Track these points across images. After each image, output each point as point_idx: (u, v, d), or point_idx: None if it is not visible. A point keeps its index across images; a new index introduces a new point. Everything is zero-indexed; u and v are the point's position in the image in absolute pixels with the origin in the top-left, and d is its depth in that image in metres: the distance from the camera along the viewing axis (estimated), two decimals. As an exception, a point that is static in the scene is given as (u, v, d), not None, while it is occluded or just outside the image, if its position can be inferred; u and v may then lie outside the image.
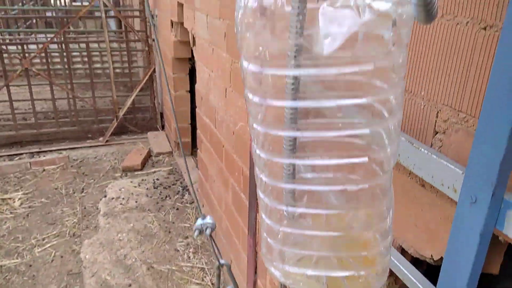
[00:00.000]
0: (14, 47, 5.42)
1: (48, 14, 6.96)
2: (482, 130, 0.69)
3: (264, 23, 0.44)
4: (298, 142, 0.49)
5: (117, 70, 5.74)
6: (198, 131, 3.33)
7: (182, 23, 3.52)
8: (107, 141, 4.78)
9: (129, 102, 4.83)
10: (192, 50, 3.44)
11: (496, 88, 0.66)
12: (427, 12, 0.37)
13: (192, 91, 4.21)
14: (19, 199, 3.86)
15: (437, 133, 0.91)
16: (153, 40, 4.76)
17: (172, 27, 3.92)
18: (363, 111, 0.46)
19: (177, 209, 3.71)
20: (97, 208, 3.70)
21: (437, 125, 0.90)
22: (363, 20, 0.39)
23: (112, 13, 4.76)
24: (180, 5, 3.42)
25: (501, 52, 0.65)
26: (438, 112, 0.89)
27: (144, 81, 4.84)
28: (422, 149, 0.86)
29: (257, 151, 0.53)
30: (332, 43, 0.39)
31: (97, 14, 4.67)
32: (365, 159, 0.50)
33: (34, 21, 7.53)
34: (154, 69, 4.86)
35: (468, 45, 0.79)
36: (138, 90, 4.77)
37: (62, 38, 4.48)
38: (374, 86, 0.44)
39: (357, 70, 0.41)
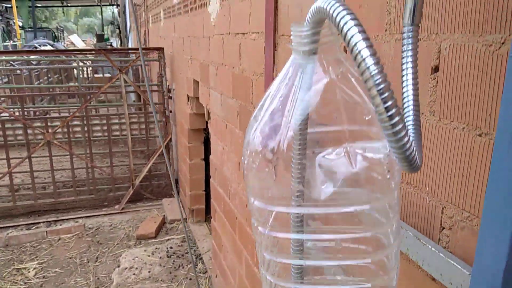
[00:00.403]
0: (38, 122, 5.67)
1: (70, 84, 7.36)
2: (484, 234, 0.71)
3: (268, 168, 0.49)
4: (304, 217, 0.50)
5: (135, 137, 5.92)
6: (212, 200, 3.36)
7: (197, 98, 3.69)
8: (122, 208, 4.82)
9: (145, 170, 4.93)
10: (207, 122, 3.58)
11: (494, 193, 0.68)
12: (410, 164, 0.41)
13: (206, 159, 4.30)
14: (34, 269, 3.85)
15: (443, 228, 0.92)
16: (170, 111, 4.95)
17: (188, 100, 4.09)
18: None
19: (190, 279, 3.64)
20: (110, 279, 3.66)
21: (443, 221, 0.92)
22: (356, 168, 0.43)
23: (132, 87, 5.02)
24: (196, 82, 3.61)
25: (497, 160, 0.69)
26: (443, 208, 0.91)
27: (161, 149, 4.97)
28: (430, 246, 0.87)
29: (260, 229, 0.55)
30: (328, 189, 0.43)
31: (117, 82, 4.92)
32: (369, 260, 0.52)
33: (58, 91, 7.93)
34: (171, 138, 5.01)
35: (465, 149, 0.84)
36: (154, 157, 4.89)
37: (84, 112, 4.70)
38: (372, 218, 0.48)
39: (354, 211, 0.45)
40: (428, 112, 0.93)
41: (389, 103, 0.37)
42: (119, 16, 16.73)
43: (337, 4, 0.38)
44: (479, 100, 0.80)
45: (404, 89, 0.50)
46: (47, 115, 6.51)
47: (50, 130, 4.53)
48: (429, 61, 0.91)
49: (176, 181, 5.32)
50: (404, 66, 0.51)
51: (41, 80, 7.71)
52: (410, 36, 0.52)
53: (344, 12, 0.38)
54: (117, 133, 6.67)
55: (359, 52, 0.38)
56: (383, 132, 0.38)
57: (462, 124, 0.84)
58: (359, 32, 0.38)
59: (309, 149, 0.45)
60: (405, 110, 0.51)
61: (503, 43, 0.73)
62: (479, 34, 0.79)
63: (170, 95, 4.99)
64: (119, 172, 5.36)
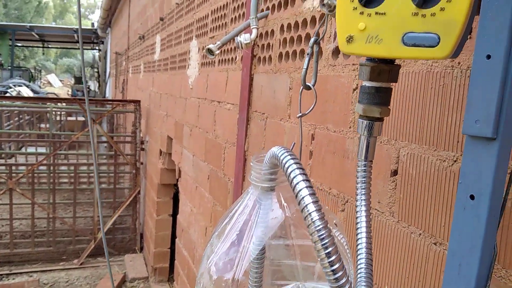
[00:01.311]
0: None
1: (41, 125, 7.21)
2: None
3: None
4: None
5: (103, 188, 5.76)
6: (176, 262, 3.25)
7: (170, 154, 3.68)
8: (81, 263, 4.59)
9: (110, 222, 4.76)
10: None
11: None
12: None
13: (175, 215, 4.21)
14: (-24, 328, 3.54)
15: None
16: (141, 163, 4.90)
17: (161, 155, 4.07)
18: None
19: None
20: None
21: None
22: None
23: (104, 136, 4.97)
24: (170, 139, 3.61)
25: (447, 280, 0.70)
26: (401, 310, 0.92)
27: (128, 201, 4.85)
28: None
29: None
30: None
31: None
32: None
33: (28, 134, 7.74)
34: (139, 191, 4.91)
35: (422, 254, 0.86)
36: (121, 211, 4.75)
37: (52, 160, 4.58)
38: None
39: None
40: (388, 212, 0.96)
41: (333, 257, 0.39)
42: (100, 61, 16.88)
43: (288, 157, 0.41)
44: (435, 209, 0.83)
45: (359, 231, 0.52)
46: (13, 160, 6.30)
47: (13, 177, 4.37)
48: (389, 164, 0.95)
49: (141, 236, 5.15)
50: (358, 203, 0.54)
51: (11, 121, 7.54)
52: (364, 170, 0.55)
53: (294, 166, 0.40)
54: (85, 180, 6.49)
55: (306, 206, 0.40)
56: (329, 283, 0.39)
57: (419, 230, 0.87)
58: (306, 187, 0.40)
59: (264, 283, 0.45)
60: (358, 252, 0.52)
61: (455, 161, 0.78)
62: (433, 148, 0.84)
63: (143, 146, 4.95)
64: (82, 223, 5.16)
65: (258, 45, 1.75)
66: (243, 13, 1.95)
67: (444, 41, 0.41)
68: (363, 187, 0.55)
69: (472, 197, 0.64)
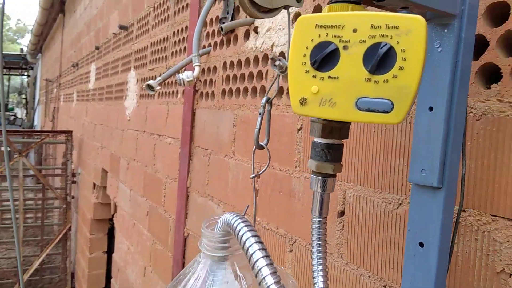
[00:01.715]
0: None
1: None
2: None
3: None
4: None
5: (29, 224, 5.30)
6: (112, 304, 3.04)
7: (105, 187, 3.49)
8: (2, 311, 4.13)
9: (38, 262, 4.37)
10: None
11: None
12: None
13: (110, 252, 3.96)
14: None
15: None
16: (72, 197, 4.59)
17: (94, 188, 3.85)
18: None
19: None
20: None
21: None
22: None
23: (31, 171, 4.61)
24: (105, 172, 3.43)
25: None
26: None
27: (58, 239, 4.49)
28: None
29: None
30: None
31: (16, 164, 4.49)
32: None
33: None
34: (70, 227, 4.58)
35: (371, 298, 0.86)
36: (49, 249, 4.38)
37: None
38: None
39: None
40: (336, 253, 0.96)
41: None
42: (28, 87, 15.85)
43: (242, 225, 0.38)
44: (383, 251, 0.84)
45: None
46: None
47: None
48: (336, 205, 0.96)
49: (72, 276, 4.77)
50: (314, 262, 0.52)
51: None
52: (319, 227, 0.54)
53: (249, 234, 0.38)
54: (9, 215, 5.94)
55: (264, 279, 0.37)
56: None
57: (368, 272, 0.88)
58: (263, 257, 0.38)
59: None
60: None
61: (400, 204, 0.80)
62: (379, 191, 0.86)
63: (75, 179, 4.66)
64: (4, 264, 4.68)
65: (200, 80, 1.73)
66: (185, 47, 1.93)
67: (397, 107, 0.41)
68: (319, 244, 0.54)
69: (421, 244, 0.66)
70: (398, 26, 0.41)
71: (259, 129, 0.53)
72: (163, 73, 2.14)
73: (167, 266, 1.96)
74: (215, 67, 1.61)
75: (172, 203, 1.95)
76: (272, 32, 1.24)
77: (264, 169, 0.57)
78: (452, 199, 0.64)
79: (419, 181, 0.65)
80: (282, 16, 1.20)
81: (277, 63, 0.47)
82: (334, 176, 0.54)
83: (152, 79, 2.33)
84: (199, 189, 1.68)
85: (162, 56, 2.22)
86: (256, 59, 1.32)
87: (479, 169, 0.66)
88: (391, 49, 0.41)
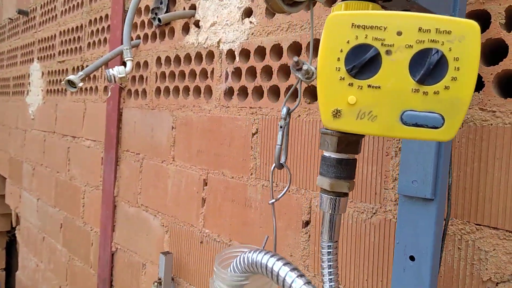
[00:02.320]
0: None
1: None
2: None
3: None
4: None
5: None
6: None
7: (3, 196, 3.05)
8: None
9: None
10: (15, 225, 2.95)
11: None
12: None
13: (8, 269, 3.50)
14: None
15: None
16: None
17: (-12, 197, 3.35)
18: None
19: None
20: None
21: None
22: None
23: None
24: (2, 178, 3.00)
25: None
26: None
27: None
28: None
29: None
30: None
31: None
32: None
33: None
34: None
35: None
36: None
37: None
38: None
39: None
40: (302, 266, 0.91)
41: None
42: None
43: (287, 269, 0.31)
44: (355, 263, 0.81)
45: None
46: None
47: None
48: (300, 215, 0.91)
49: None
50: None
51: None
52: (329, 252, 0.48)
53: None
54: None
55: None
56: None
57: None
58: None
59: None
60: None
61: (374, 213, 0.78)
62: (349, 200, 0.83)
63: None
64: None
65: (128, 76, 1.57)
66: (105, 38, 1.73)
67: (448, 122, 0.37)
68: (331, 272, 0.48)
69: (412, 258, 0.63)
70: (451, 31, 0.36)
71: (281, 145, 0.45)
72: (79, 66, 1.91)
73: (90, 285, 1.75)
74: (146, 62, 1.46)
75: (94, 214, 1.75)
76: (218, 27, 1.15)
77: (284, 191, 0.49)
78: (442, 210, 0.62)
79: (411, 192, 0.63)
80: (229, 11, 1.12)
81: (303, 67, 0.39)
82: (347, 195, 0.48)
83: (63, 72, 2.08)
84: (129, 199, 1.52)
85: (76, 47, 1.98)
86: (198, 55, 1.21)
87: (462, 178, 0.66)
88: (442, 57, 0.36)
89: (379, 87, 0.37)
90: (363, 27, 0.37)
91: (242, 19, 1.07)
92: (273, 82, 0.97)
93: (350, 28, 0.38)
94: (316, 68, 0.39)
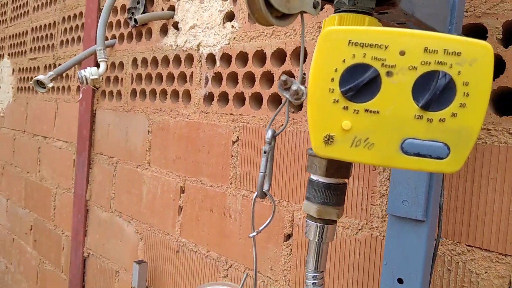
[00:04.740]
0: None
1: None
2: None
3: None
4: None
5: None
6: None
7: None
8: None
9: None
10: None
11: None
12: None
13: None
14: None
15: None
16: None
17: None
18: None
19: None
20: None
21: None
22: None
23: None
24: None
25: None
26: None
27: None
28: None
29: None
30: None
31: None
32: None
33: None
34: None
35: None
36: None
37: None
38: None
39: None
40: (283, 280, 0.87)
41: None
42: None
43: None
44: (339, 278, 0.78)
45: None
46: None
47: None
48: (282, 228, 0.87)
49: None
50: None
51: None
52: (314, 283, 0.44)
53: None
54: None
55: None
56: None
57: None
58: None
59: None
60: None
61: (360, 229, 0.74)
62: (334, 214, 0.78)
63: None
64: None
65: (102, 77, 1.49)
66: (79, 37, 1.64)
67: (454, 152, 0.32)
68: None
69: (400, 281, 0.60)
70: (461, 53, 0.32)
71: (264, 172, 0.40)
72: (51, 64, 1.82)
73: (61, 291, 1.67)
74: (121, 63, 1.38)
75: (66, 217, 1.67)
76: (197, 30, 1.09)
77: (266, 223, 0.44)
78: (433, 231, 0.59)
79: (401, 213, 0.59)
80: (210, 14, 1.06)
81: (293, 87, 0.34)
82: (336, 222, 0.44)
83: (34, 70, 1.97)
84: (102, 203, 1.44)
85: (48, 45, 1.88)
86: (177, 58, 1.15)
87: (454, 197, 0.62)
88: (450, 81, 0.32)
89: (377, 112, 0.33)
90: (362, 45, 0.33)
91: (224, 23, 1.02)
92: (256, 89, 0.92)
93: (347, 46, 0.33)
94: (306, 88, 0.34)
